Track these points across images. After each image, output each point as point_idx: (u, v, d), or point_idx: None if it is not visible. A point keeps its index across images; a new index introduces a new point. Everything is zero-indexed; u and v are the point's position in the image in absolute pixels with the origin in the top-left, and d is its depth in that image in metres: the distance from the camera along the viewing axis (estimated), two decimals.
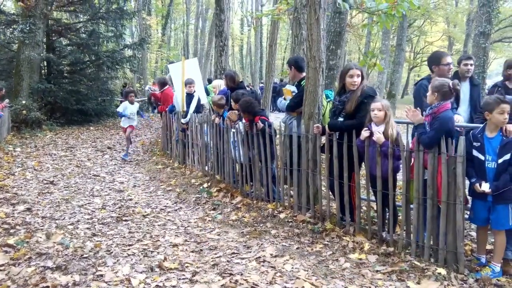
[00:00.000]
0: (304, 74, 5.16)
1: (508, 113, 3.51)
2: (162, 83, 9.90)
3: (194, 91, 8.18)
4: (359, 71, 4.45)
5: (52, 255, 3.91)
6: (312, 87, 4.78)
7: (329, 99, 5.23)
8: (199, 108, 8.17)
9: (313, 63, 4.72)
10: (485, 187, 3.51)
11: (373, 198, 4.46)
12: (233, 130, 5.96)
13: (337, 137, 4.49)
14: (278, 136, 5.36)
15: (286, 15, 9.57)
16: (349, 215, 4.52)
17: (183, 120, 8.07)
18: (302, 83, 5.17)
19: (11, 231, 4.59)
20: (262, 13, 11.63)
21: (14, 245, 4.10)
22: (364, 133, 4.16)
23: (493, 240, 3.82)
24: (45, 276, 3.48)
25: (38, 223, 4.97)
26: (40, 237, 4.39)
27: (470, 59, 5.06)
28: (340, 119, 4.48)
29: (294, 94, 5.37)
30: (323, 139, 4.80)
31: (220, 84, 8.29)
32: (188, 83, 8.21)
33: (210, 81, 14.29)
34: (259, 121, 5.38)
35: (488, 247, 3.97)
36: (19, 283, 3.35)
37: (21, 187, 6.64)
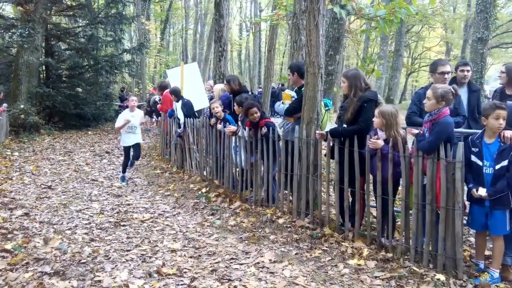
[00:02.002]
0: None
1: (504, 119, 3.52)
2: (163, 88, 10.03)
3: (176, 100, 8.16)
4: (343, 77, 4.54)
5: (50, 261, 3.89)
6: (311, 93, 4.79)
7: (327, 108, 5.25)
8: (193, 113, 8.10)
9: (312, 68, 4.74)
10: (482, 191, 3.53)
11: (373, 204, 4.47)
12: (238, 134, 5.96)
13: (339, 142, 4.52)
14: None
15: (285, 21, 9.59)
16: (348, 220, 4.52)
17: (178, 130, 8.06)
18: (302, 89, 5.19)
19: (9, 236, 4.57)
20: (261, 18, 11.67)
21: (12, 250, 4.08)
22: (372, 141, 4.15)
23: (491, 245, 3.82)
24: (42, 281, 3.46)
25: (36, 228, 4.95)
26: (38, 242, 4.37)
27: (467, 65, 5.08)
28: (345, 125, 4.51)
29: (293, 99, 5.38)
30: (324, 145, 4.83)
31: (220, 88, 8.28)
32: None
33: None
34: (264, 125, 5.39)
35: (487, 253, 3.97)
36: None
37: (19, 192, 6.62)
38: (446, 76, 4.65)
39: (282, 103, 5.59)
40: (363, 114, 4.34)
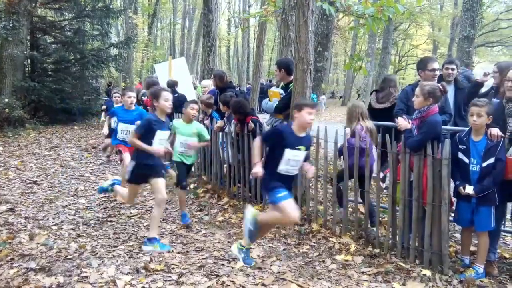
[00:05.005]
0: (292, 77, 5.17)
1: (478, 115, 3.56)
2: (151, 86, 9.89)
3: None
4: None
5: (35, 256, 3.85)
6: (300, 89, 4.80)
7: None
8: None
9: (301, 64, 4.75)
10: (469, 189, 3.57)
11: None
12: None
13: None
14: None
15: (274, 17, 9.58)
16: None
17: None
18: (290, 86, 5.18)
19: None
20: (250, 14, 11.63)
21: None
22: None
23: (476, 241, 3.88)
24: (28, 277, 3.42)
25: (21, 223, 4.88)
26: (23, 238, 4.31)
27: (452, 63, 5.13)
28: None
29: (282, 96, 5.37)
30: None
31: (209, 84, 8.25)
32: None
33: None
34: (250, 121, 5.37)
35: (472, 248, 4.03)
36: (1, 285, 3.29)
37: (4, 187, 6.52)
38: (436, 72, 4.69)
39: (269, 100, 5.58)
40: None
